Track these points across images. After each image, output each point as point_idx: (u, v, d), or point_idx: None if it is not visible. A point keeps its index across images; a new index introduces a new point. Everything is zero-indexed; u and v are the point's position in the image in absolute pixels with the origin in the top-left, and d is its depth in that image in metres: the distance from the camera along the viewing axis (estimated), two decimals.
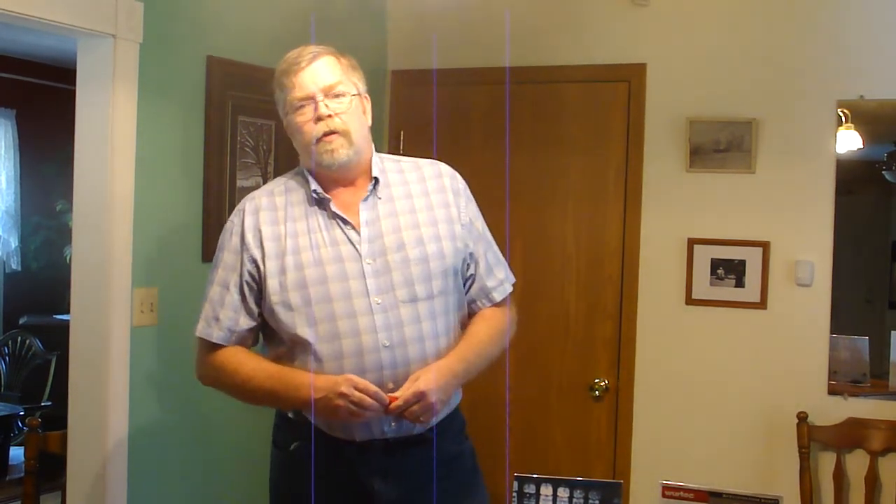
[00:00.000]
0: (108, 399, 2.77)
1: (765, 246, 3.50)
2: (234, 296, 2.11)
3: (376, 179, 2.14)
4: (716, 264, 3.56)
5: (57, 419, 3.17)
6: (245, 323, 2.12)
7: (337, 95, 2.09)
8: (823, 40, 3.43)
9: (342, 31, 3.27)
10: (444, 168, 2.25)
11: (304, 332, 2.04)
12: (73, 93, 2.82)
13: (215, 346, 2.14)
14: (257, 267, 2.09)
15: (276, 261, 2.07)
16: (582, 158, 3.77)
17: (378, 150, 2.23)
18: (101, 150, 2.77)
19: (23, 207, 6.72)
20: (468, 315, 2.24)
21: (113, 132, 2.76)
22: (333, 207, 2.11)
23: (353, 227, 2.09)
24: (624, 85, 3.71)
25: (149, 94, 2.86)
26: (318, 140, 2.08)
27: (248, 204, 2.16)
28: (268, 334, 2.17)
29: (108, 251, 2.77)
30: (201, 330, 2.15)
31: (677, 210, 3.63)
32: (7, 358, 6.12)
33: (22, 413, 5.56)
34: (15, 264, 6.71)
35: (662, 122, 3.65)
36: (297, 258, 2.06)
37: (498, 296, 2.25)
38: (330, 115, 2.07)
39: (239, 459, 3.29)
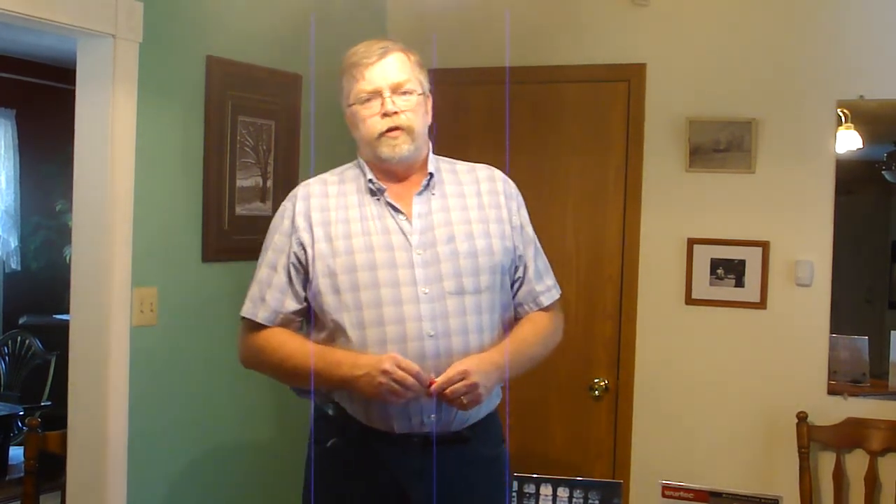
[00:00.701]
0: (108, 399, 2.77)
1: (765, 246, 3.49)
2: (281, 277, 2.14)
3: (431, 175, 2.18)
4: (715, 264, 3.56)
5: (57, 419, 3.17)
6: (290, 305, 2.14)
7: (404, 93, 2.13)
8: (823, 40, 3.43)
9: (342, 31, 3.26)
10: (498, 173, 2.29)
11: (349, 316, 2.06)
12: (73, 93, 2.82)
13: (259, 327, 2.16)
14: (304, 250, 2.12)
15: (326, 244, 2.10)
16: (582, 158, 3.77)
17: None
18: (101, 150, 2.77)
19: (23, 207, 6.72)
20: (515, 319, 2.25)
21: (113, 132, 2.76)
22: (388, 197, 2.14)
23: (406, 218, 2.12)
24: (624, 85, 3.71)
25: (149, 93, 2.86)
26: (382, 134, 2.11)
27: (300, 189, 2.20)
28: (312, 320, 2.18)
29: (108, 251, 2.77)
30: (247, 310, 2.17)
31: (677, 210, 3.63)
32: (7, 358, 6.11)
33: (22, 413, 5.55)
34: (15, 264, 6.71)
35: (662, 121, 3.65)
36: (347, 243, 2.09)
37: (546, 300, 2.28)
38: (396, 112, 2.11)
39: (239, 459, 3.29)
